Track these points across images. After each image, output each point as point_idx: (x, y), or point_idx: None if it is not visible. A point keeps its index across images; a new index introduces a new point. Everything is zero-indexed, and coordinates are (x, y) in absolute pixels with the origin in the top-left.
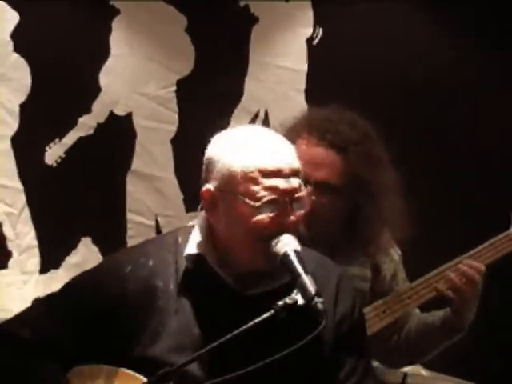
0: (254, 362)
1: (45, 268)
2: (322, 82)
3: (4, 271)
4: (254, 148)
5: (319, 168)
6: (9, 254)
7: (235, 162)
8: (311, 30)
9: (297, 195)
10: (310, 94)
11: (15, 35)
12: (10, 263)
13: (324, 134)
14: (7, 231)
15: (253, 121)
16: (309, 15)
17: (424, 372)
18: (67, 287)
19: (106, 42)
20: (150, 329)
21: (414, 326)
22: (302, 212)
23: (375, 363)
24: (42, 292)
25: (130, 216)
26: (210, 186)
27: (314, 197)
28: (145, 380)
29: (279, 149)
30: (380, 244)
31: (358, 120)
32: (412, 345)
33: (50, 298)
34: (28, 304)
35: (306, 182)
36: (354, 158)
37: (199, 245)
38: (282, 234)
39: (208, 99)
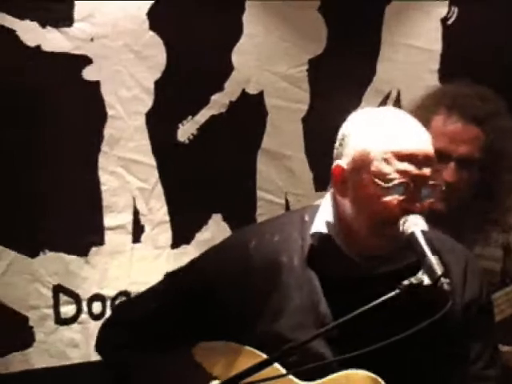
0: (377, 340)
1: (176, 243)
2: (455, 62)
3: (137, 245)
4: (390, 130)
5: (462, 143)
6: (142, 229)
7: (370, 141)
8: (446, 10)
9: (428, 183)
10: (443, 75)
11: (151, 14)
12: (143, 237)
13: (463, 108)
14: (140, 206)
15: (384, 101)
16: None
17: None
18: (192, 263)
19: (239, 22)
20: (273, 304)
21: None
22: (431, 200)
23: (505, 348)
24: (173, 266)
25: (259, 194)
26: (341, 163)
27: (455, 169)
28: (265, 356)
29: (416, 134)
30: None
31: (491, 93)
32: None
33: (176, 273)
34: (160, 278)
35: (449, 157)
36: (491, 131)
37: (325, 223)
38: (409, 214)
39: (340, 79)
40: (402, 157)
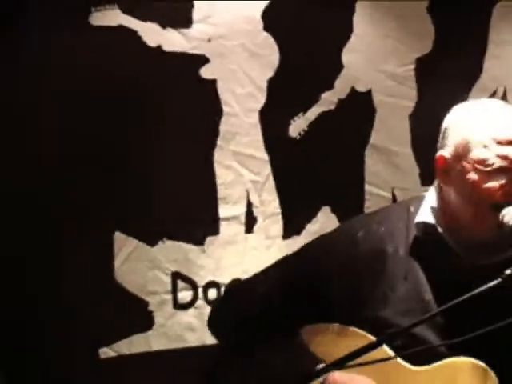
0: (479, 327)
1: (287, 234)
2: None
3: (250, 235)
4: (490, 118)
5: None
6: (254, 220)
7: (470, 129)
8: None
9: None
10: None
11: (265, 15)
12: (255, 228)
13: None
14: (253, 198)
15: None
16: None
17: None
18: (303, 250)
19: (349, 22)
20: (379, 291)
21: None
22: None
23: None
24: None
25: (367, 188)
26: (444, 153)
27: None
28: (372, 338)
29: None
30: None
31: None
32: None
33: (287, 259)
34: None
35: None
36: None
37: (430, 214)
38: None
39: (446, 77)
40: (501, 142)
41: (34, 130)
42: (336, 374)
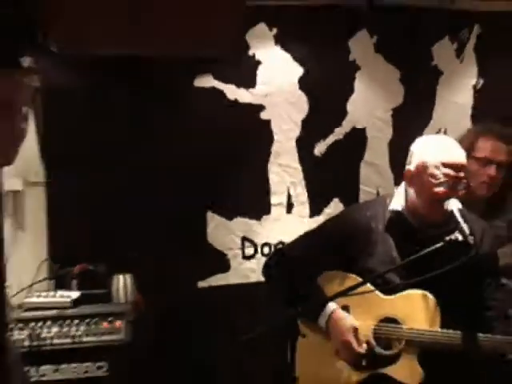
0: (426, 273)
1: (312, 215)
2: (482, 112)
3: (289, 215)
4: (439, 148)
5: (500, 154)
6: (292, 205)
7: (427, 155)
8: (475, 80)
9: (461, 181)
10: (474, 119)
11: (300, 80)
12: (292, 211)
13: (497, 134)
14: (291, 192)
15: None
16: None
17: None
18: (324, 223)
19: (352, 85)
20: (367, 251)
21: None
22: (462, 191)
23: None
24: (310, 228)
25: (361, 187)
26: (410, 168)
27: (496, 171)
28: (368, 287)
29: (455, 152)
30: None
31: (509, 129)
32: None
33: (320, 227)
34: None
35: (491, 162)
36: None
37: (399, 204)
38: (449, 198)
39: (410, 120)
40: (446, 165)
41: (166, 151)
42: (339, 310)
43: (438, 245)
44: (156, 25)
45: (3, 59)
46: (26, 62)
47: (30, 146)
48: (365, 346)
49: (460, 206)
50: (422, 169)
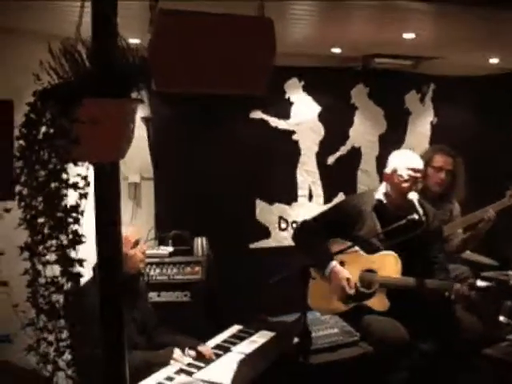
0: (396, 238)
1: (325, 202)
2: (437, 139)
3: (310, 203)
4: (406, 158)
5: (448, 165)
6: (311, 197)
7: (398, 162)
8: (433, 116)
9: (419, 180)
10: (431, 143)
11: (319, 114)
12: (312, 200)
13: (446, 152)
14: (311, 187)
15: None
16: None
17: None
18: (334, 206)
19: (352, 118)
20: (359, 225)
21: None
22: (420, 186)
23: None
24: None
25: (358, 185)
26: (387, 171)
27: (445, 176)
28: (357, 249)
29: (416, 160)
30: (462, 196)
31: (452, 150)
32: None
33: (326, 210)
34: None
35: (441, 169)
36: (457, 162)
37: (381, 195)
38: (411, 191)
39: (389, 141)
40: (410, 169)
41: (230, 159)
42: (338, 265)
43: (402, 222)
44: (217, 70)
45: (119, 93)
46: (135, 95)
47: (144, 154)
48: (353, 290)
49: (417, 196)
50: (394, 172)
